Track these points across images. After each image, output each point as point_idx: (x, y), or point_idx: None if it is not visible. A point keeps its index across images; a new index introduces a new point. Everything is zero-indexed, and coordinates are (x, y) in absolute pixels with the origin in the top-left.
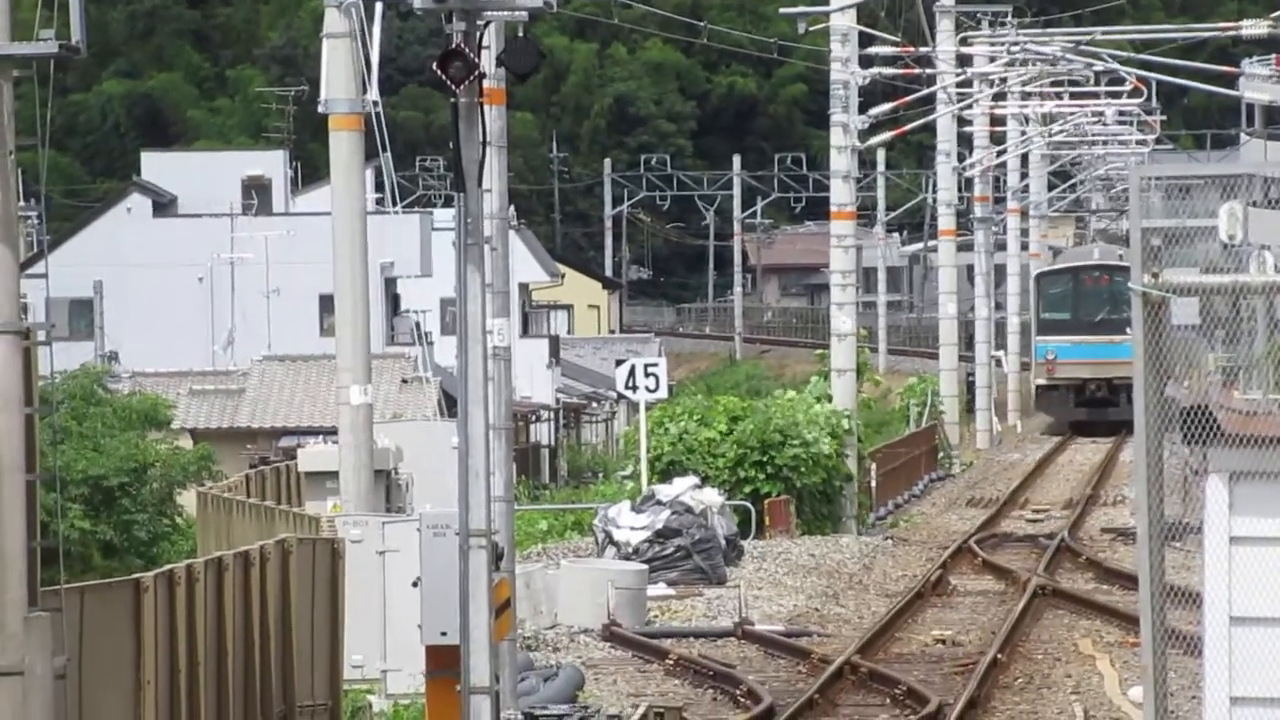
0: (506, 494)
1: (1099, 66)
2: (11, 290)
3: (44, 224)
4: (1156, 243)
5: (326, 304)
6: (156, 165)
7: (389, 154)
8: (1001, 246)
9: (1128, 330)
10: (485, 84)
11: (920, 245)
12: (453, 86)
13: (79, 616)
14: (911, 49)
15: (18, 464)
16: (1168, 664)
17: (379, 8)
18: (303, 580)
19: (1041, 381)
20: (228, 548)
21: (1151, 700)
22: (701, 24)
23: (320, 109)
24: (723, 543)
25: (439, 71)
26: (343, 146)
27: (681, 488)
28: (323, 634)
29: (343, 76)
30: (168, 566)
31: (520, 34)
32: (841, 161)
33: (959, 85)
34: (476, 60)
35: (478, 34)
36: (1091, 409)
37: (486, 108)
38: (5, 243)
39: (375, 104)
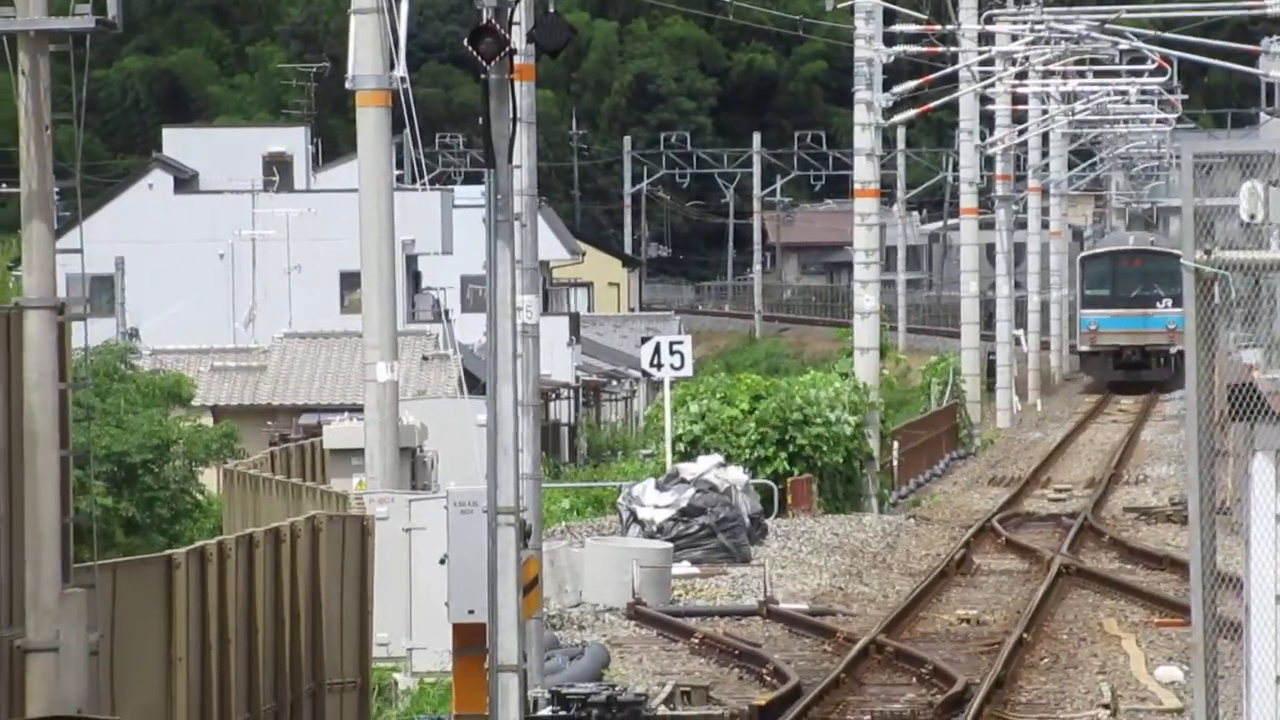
0: (534, 471)
1: (1124, 45)
2: (48, 266)
3: (79, 199)
4: (1176, 221)
5: (347, 281)
6: (178, 141)
7: (416, 130)
8: (1022, 225)
9: (1157, 305)
10: (514, 60)
11: (940, 224)
12: (483, 63)
13: (111, 593)
14: (936, 27)
15: (52, 439)
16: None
17: None
18: (332, 557)
19: (1085, 348)
20: (255, 525)
21: (1201, 679)
22: (728, 1)
23: (348, 85)
24: (747, 521)
25: (470, 48)
26: (370, 122)
27: (706, 466)
28: (352, 611)
29: (370, 52)
30: (199, 543)
31: (550, 9)
32: (865, 139)
33: (982, 63)
34: (507, 36)
35: (508, 10)
36: (1127, 370)
37: (516, 84)
38: (41, 218)
39: (403, 80)
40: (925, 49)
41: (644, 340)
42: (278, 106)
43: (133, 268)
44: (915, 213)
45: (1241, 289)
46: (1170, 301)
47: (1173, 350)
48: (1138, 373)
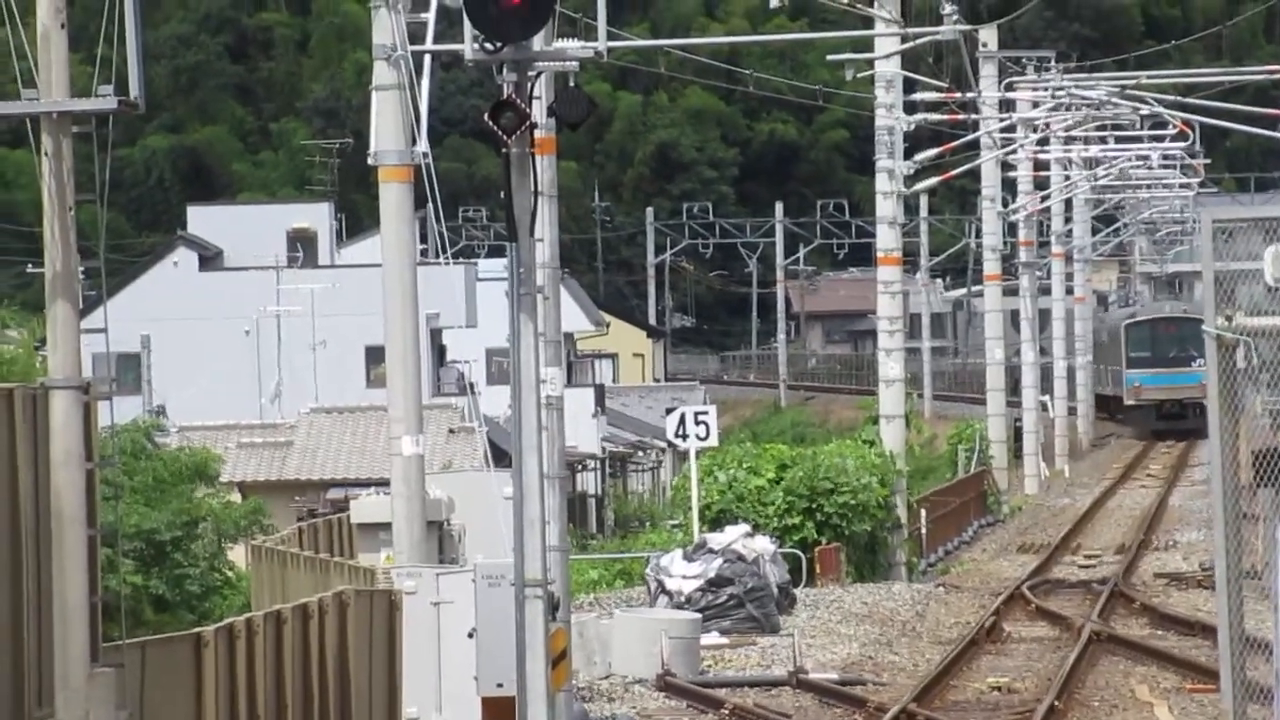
0: (561, 543)
1: (1145, 110)
2: (73, 346)
3: (104, 277)
4: (1199, 286)
5: (373, 355)
6: (202, 219)
7: (439, 205)
8: (1046, 291)
9: (1192, 364)
10: (535, 134)
11: (964, 290)
12: (504, 137)
13: (140, 671)
14: (956, 94)
15: (79, 518)
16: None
17: (428, 60)
18: (360, 632)
19: (1131, 402)
20: (283, 601)
21: None
22: (748, 72)
23: (370, 161)
24: (775, 591)
25: (490, 122)
26: (392, 197)
27: (733, 536)
28: (381, 686)
29: (392, 128)
30: (227, 620)
31: (570, 83)
32: (888, 207)
33: (1003, 130)
34: (528, 110)
35: (529, 84)
36: (1168, 421)
37: (537, 157)
38: (66, 298)
39: (426, 155)
40: (946, 116)
41: (669, 411)
42: (301, 182)
43: (158, 345)
44: (939, 280)
45: (1267, 353)
46: (1203, 361)
47: (1205, 402)
48: (1176, 422)
